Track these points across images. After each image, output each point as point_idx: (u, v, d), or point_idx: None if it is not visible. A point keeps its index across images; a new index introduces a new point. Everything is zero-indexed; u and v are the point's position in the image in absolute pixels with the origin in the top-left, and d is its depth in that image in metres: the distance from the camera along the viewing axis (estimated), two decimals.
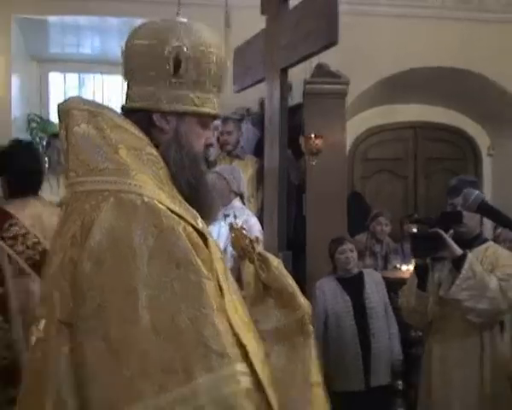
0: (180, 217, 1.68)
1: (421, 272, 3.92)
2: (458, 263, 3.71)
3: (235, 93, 5.88)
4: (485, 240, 4.05)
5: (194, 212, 1.81)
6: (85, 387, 1.58)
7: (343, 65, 6.37)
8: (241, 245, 2.25)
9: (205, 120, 1.91)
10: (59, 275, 1.66)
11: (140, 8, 7.05)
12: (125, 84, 1.92)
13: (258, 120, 6.83)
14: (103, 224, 1.62)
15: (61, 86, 8.83)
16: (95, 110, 1.80)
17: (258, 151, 6.45)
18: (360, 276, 5.40)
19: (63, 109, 1.81)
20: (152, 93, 1.83)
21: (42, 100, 8.52)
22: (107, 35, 7.95)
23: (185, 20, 1.90)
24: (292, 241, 5.71)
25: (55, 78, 8.79)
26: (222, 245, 5.71)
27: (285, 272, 2.22)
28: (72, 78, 8.93)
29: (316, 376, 2.15)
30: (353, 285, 5.32)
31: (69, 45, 8.59)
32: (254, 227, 5.83)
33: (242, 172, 6.21)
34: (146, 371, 1.53)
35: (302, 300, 2.20)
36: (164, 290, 1.57)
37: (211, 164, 6.67)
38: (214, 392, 1.55)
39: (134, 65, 1.86)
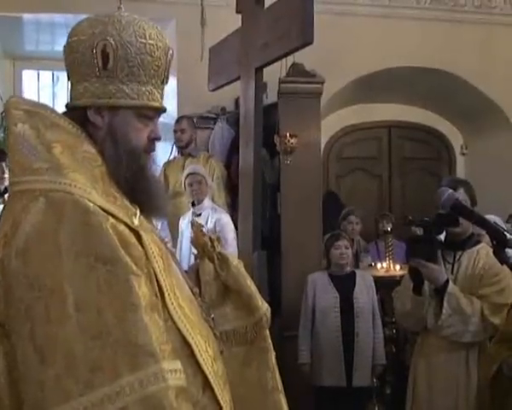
0: (110, 215, 1.66)
1: (416, 275, 3.80)
2: (440, 292, 3.72)
3: (210, 91, 5.89)
4: (478, 241, 3.99)
5: (133, 209, 1.80)
6: (20, 389, 1.57)
7: (318, 64, 6.36)
8: (200, 243, 2.24)
9: (144, 112, 1.87)
10: None
11: (113, 7, 7.01)
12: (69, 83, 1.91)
13: (234, 119, 6.84)
14: (31, 222, 1.60)
15: (34, 84, 8.76)
16: (32, 109, 1.80)
17: (233, 150, 6.46)
18: (352, 275, 5.42)
19: (4, 109, 1.80)
20: (86, 89, 1.82)
21: None
22: None
23: (124, 13, 1.86)
24: (267, 240, 5.72)
25: (29, 75, 8.72)
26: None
27: (245, 272, 2.22)
28: (46, 75, 8.86)
29: (273, 381, 2.15)
30: (344, 283, 5.34)
31: (43, 43, 8.51)
32: (227, 226, 5.84)
33: None
34: (72, 370, 1.51)
35: (260, 302, 2.19)
36: (90, 288, 1.55)
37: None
38: (139, 391, 1.53)
39: (70, 63, 1.86)
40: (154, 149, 1.95)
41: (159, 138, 1.94)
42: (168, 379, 1.57)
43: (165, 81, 1.91)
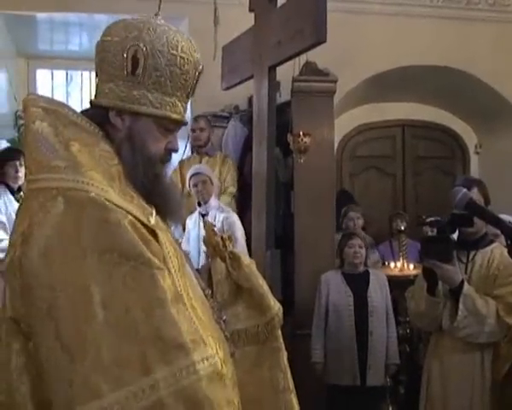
0: (128, 212, 1.67)
1: (430, 276, 3.75)
2: (455, 293, 3.68)
3: (223, 90, 5.89)
4: (491, 241, 3.95)
5: (149, 209, 1.80)
6: (48, 389, 1.57)
7: (331, 63, 6.35)
8: (212, 243, 2.25)
9: (164, 123, 1.87)
10: (10, 272, 1.65)
11: (128, 5, 7.02)
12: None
13: (247, 118, 6.85)
14: (51, 223, 1.60)
15: (48, 83, 8.79)
16: (49, 107, 1.80)
17: (247, 148, 6.47)
18: (366, 274, 5.42)
19: (23, 106, 1.81)
20: (111, 90, 1.83)
21: None
22: (95, 32, 7.92)
23: (160, 21, 1.85)
24: (280, 239, 5.72)
25: (42, 74, 8.75)
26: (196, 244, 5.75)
27: (256, 272, 2.23)
28: (60, 74, 8.89)
29: (285, 381, 2.16)
30: (358, 282, 5.35)
31: (57, 42, 8.54)
32: (235, 224, 5.82)
33: (212, 170, 6.32)
34: (101, 367, 1.52)
35: (272, 302, 2.20)
36: (116, 285, 1.56)
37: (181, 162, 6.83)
38: (173, 385, 1.55)
39: (99, 60, 1.87)
40: (169, 160, 1.96)
41: (176, 150, 1.96)
42: (199, 370, 1.59)
43: (190, 95, 1.92)
